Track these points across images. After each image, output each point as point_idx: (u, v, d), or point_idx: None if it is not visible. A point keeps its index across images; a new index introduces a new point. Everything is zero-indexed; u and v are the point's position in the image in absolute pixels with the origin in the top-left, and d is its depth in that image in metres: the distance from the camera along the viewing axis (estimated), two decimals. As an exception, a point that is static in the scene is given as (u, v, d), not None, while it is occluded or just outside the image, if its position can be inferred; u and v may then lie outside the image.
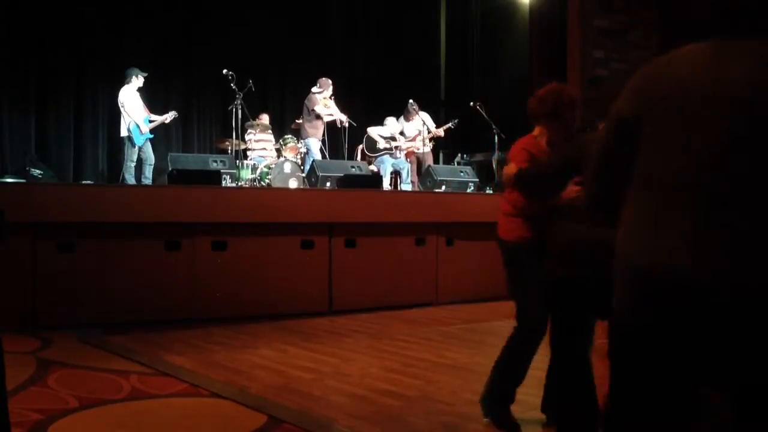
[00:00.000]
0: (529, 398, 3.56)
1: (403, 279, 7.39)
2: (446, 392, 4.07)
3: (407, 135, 10.48)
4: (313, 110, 10.05)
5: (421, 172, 9.93)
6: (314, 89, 10.28)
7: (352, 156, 10.77)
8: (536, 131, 3.40)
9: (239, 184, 8.98)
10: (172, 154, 9.16)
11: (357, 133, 10.82)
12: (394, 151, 10.34)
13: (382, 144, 10.33)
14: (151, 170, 9.49)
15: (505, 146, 8.68)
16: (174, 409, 3.78)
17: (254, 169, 9.61)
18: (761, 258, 1.51)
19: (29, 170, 9.07)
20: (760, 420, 1.59)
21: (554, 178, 3.00)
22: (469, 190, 9.13)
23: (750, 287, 1.51)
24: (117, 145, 10.20)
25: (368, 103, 12.44)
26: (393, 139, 10.40)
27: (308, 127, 10.11)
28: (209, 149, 11.63)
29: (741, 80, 1.59)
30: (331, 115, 10.32)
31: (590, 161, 1.89)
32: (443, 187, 8.95)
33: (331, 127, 10.61)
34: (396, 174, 10.38)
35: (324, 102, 10.22)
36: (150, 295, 6.17)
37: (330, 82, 10.31)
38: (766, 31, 1.64)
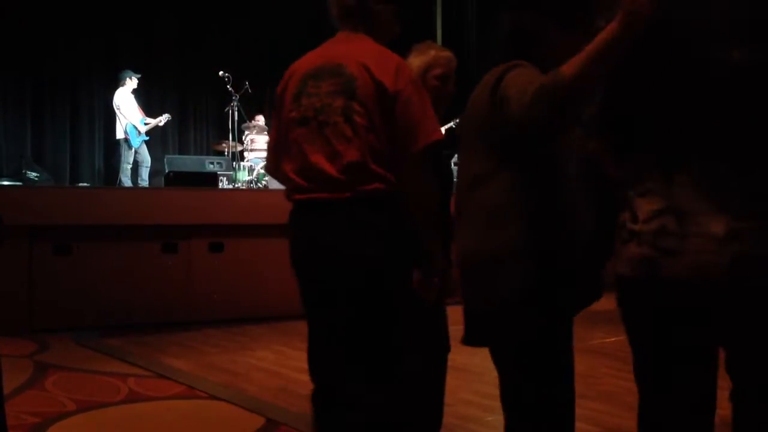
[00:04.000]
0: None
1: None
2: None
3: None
4: None
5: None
6: None
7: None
8: None
9: (236, 185, 8.97)
10: (168, 156, 9.16)
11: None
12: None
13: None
14: (148, 172, 9.48)
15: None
16: (171, 411, 3.77)
17: (251, 170, 9.60)
18: None
19: (25, 173, 9.05)
20: None
21: None
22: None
23: None
24: (113, 147, 10.19)
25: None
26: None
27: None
28: (206, 151, 11.62)
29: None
30: None
31: None
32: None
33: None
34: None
35: None
36: (147, 297, 6.16)
37: None
38: None
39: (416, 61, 2.64)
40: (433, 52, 2.67)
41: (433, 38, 13.73)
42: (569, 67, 1.50)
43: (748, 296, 1.40)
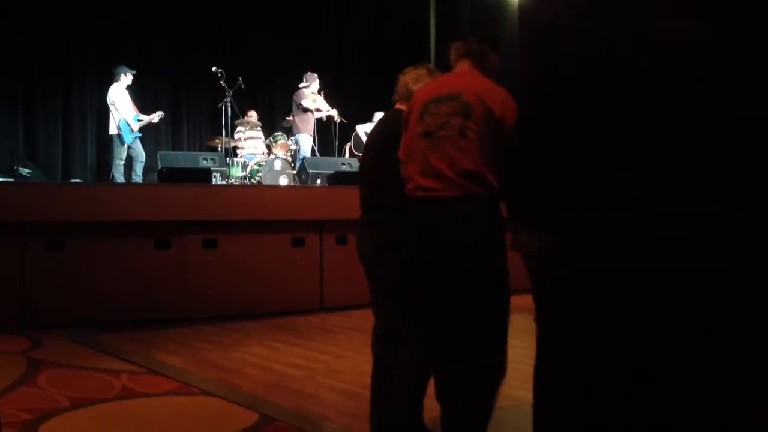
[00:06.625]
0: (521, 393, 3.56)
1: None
2: (438, 388, 4.06)
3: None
4: (300, 105, 10.03)
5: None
6: (301, 84, 10.27)
7: (341, 154, 10.76)
8: None
9: (229, 181, 8.96)
10: (161, 152, 9.13)
11: (348, 131, 10.81)
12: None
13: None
14: (142, 168, 9.46)
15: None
16: (165, 407, 3.77)
17: (244, 166, 9.59)
18: None
19: (17, 169, 9.02)
20: None
21: None
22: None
23: None
24: (106, 143, 10.16)
25: (358, 100, 12.43)
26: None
27: (298, 123, 10.09)
28: (199, 147, 11.60)
29: None
30: (319, 110, 10.30)
31: None
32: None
33: (321, 123, 10.59)
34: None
35: (312, 97, 10.21)
36: (140, 293, 6.15)
37: (316, 76, 10.29)
38: None
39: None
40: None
41: (427, 35, 13.75)
42: None
43: None
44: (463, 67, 2.91)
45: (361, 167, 3.42)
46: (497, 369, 2.76)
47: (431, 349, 2.83)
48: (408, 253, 2.82)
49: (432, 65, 3.45)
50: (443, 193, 2.67)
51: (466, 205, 2.65)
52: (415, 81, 3.19)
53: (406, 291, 2.89)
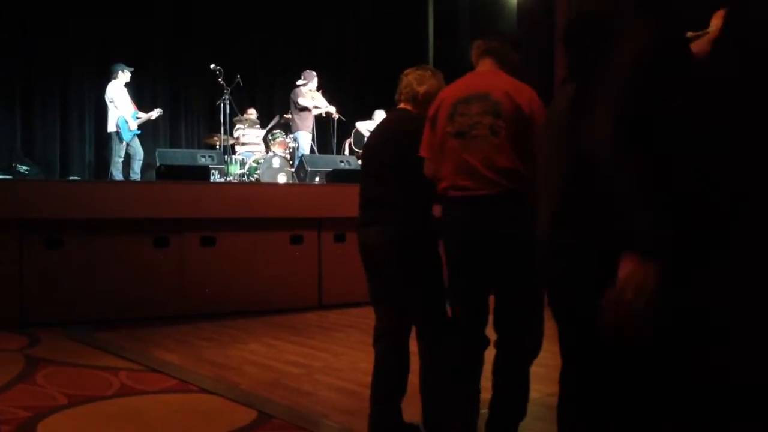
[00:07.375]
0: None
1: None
2: (436, 386, 4.06)
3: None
4: (298, 102, 10.02)
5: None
6: (299, 82, 10.25)
7: (340, 151, 10.76)
8: None
9: (228, 179, 8.96)
10: (160, 149, 9.11)
11: (347, 128, 10.80)
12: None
13: (370, 138, 10.33)
14: (140, 165, 9.45)
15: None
16: (164, 405, 3.77)
17: (243, 164, 9.59)
18: None
19: (15, 167, 9.01)
20: None
21: None
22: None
23: None
24: (104, 141, 10.15)
25: (357, 97, 12.42)
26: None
27: (297, 120, 10.08)
28: (197, 144, 11.60)
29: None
30: (318, 107, 10.28)
31: None
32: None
33: (320, 121, 10.58)
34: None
35: (310, 94, 10.19)
36: (139, 291, 6.15)
37: (314, 74, 10.27)
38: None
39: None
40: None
41: (425, 32, 13.74)
42: None
43: None
44: (485, 65, 2.97)
45: (364, 166, 3.39)
46: (535, 349, 2.88)
47: (464, 344, 2.89)
48: (444, 250, 2.89)
49: (433, 67, 3.44)
50: (478, 192, 2.74)
51: (502, 203, 2.73)
52: (420, 82, 3.19)
53: (435, 288, 2.96)
